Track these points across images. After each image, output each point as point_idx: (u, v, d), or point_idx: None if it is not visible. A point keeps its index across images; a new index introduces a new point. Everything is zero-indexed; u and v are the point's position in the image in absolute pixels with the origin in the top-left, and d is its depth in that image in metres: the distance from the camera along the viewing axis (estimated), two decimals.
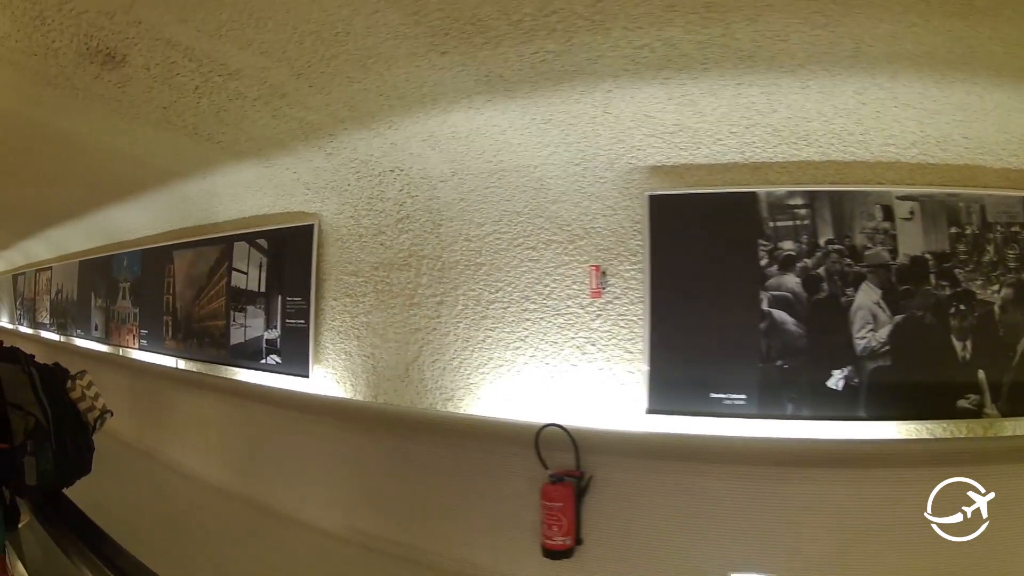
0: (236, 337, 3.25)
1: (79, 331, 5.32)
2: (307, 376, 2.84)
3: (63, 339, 5.76)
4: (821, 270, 1.74)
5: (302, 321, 2.87)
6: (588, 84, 1.69)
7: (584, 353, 2.07)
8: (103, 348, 4.89)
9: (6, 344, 1.59)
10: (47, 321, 6.10)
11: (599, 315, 2.05)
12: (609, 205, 2.04)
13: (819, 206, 1.75)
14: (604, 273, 2.02)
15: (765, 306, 1.77)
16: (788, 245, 1.77)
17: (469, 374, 2.32)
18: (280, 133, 2.36)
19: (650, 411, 1.86)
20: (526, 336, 2.18)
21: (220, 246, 3.39)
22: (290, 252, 2.96)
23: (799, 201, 1.76)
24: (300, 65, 1.81)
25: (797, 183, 1.81)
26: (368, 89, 1.89)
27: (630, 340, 1.98)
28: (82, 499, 1.65)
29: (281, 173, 2.79)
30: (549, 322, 2.14)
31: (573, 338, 2.09)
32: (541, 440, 1.78)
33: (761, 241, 1.78)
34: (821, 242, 1.75)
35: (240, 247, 3.25)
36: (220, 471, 3.01)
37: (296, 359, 2.89)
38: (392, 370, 2.60)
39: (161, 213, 3.89)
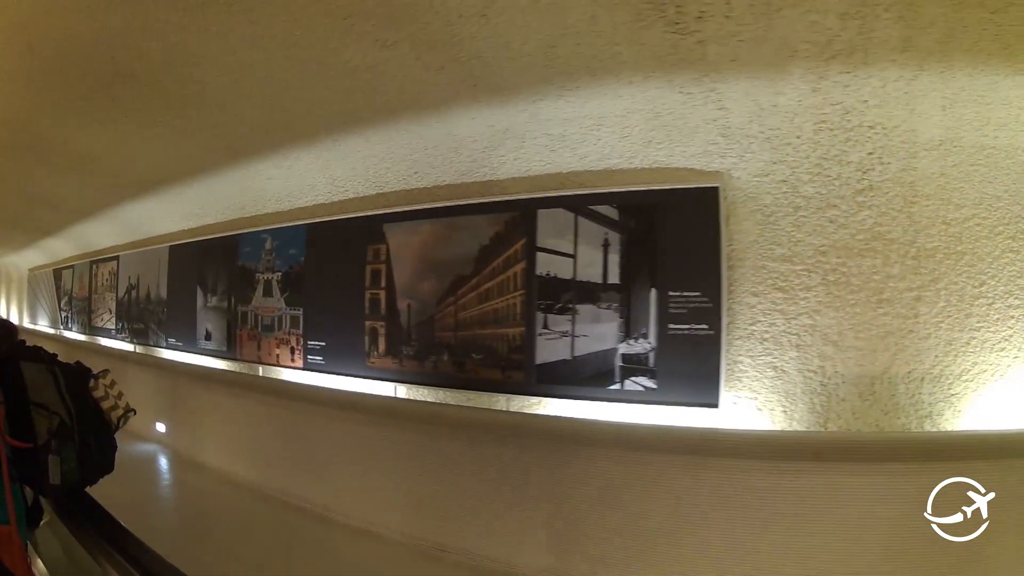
0: (548, 352, 2.36)
1: (173, 340, 4.09)
2: (715, 405, 2.02)
3: (140, 350, 4.46)
4: None
5: (704, 326, 2.05)
6: None
7: None
8: (222, 365, 3.73)
9: (29, 344, 1.50)
10: (111, 326, 4.74)
11: None
12: None
13: None
14: None
15: None
16: None
17: (950, 384, 1.95)
18: (769, 42, 1.60)
19: None
20: (1010, 335, 1.93)
21: (506, 215, 2.48)
22: (669, 226, 2.14)
23: None
24: None
25: None
26: (988, 21, 1.45)
27: None
28: None
29: (685, 110, 1.99)
30: None
31: None
32: None
33: None
34: None
35: (551, 216, 2.37)
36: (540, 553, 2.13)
37: (689, 382, 2.08)
38: (850, 387, 1.99)
39: (360, 168, 2.84)
